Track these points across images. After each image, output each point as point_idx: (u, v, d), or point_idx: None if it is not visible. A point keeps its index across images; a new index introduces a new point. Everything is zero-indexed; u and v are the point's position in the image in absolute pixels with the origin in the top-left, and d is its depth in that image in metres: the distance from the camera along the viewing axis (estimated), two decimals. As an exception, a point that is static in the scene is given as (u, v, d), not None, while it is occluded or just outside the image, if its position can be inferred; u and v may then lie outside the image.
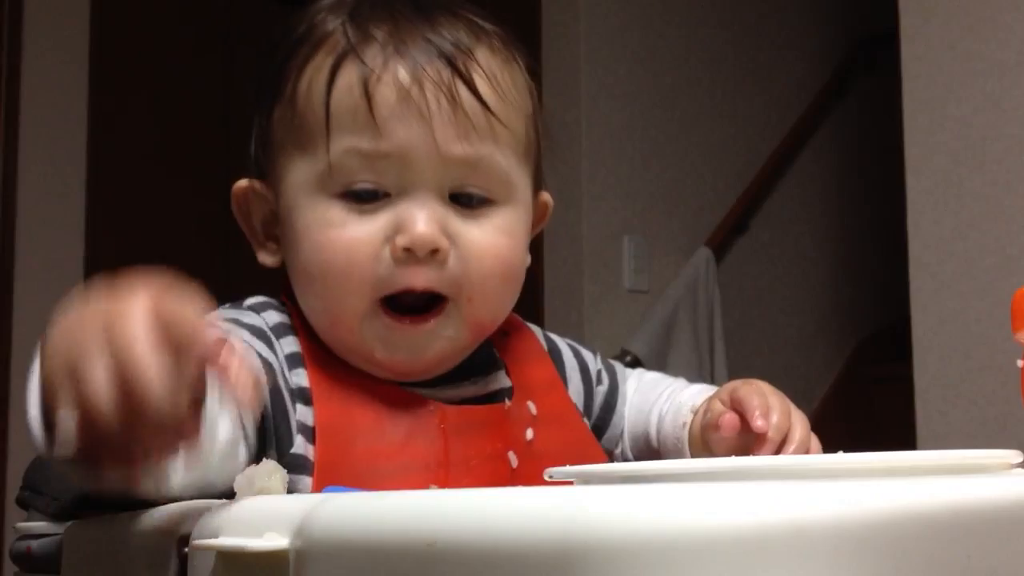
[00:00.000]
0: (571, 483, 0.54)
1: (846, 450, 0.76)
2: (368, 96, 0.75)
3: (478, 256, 0.78)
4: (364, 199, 0.77)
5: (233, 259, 3.13)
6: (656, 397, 0.93)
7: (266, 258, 0.84)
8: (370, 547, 0.44)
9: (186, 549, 0.53)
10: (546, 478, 0.56)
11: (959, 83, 2.28)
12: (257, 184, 0.83)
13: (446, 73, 0.77)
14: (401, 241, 0.75)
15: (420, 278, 0.76)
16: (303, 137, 0.78)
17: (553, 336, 0.94)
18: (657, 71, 3.15)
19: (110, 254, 2.97)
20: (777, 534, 0.37)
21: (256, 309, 0.81)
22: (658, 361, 2.84)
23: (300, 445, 0.74)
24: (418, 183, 0.77)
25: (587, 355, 0.94)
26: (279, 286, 0.84)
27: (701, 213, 3.24)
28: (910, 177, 2.33)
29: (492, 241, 0.79)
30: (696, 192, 3.24)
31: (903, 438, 2.39)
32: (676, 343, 2.97)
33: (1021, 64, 2.21)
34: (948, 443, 2.19)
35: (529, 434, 0.81)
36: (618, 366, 0.97)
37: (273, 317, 0.80)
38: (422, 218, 0.76)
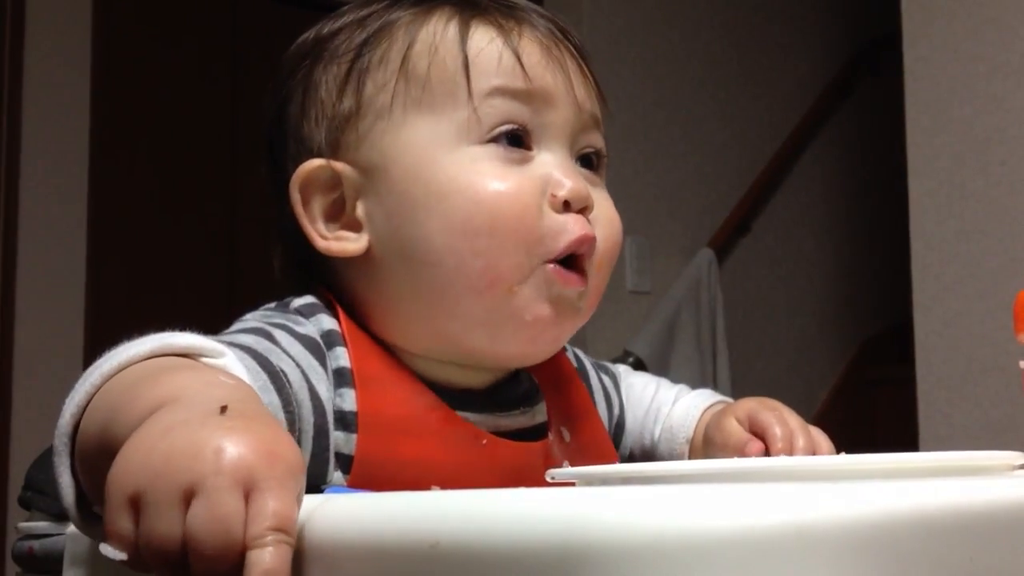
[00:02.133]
0: (573, 484, 0.54)
1: (848, 452, 0.76)
2: (512, 49, 0.74)
3: (607, 221, 0.76)
4: (510, 146, 0.73)
5: (237, 263, 3.14)
6: (644, 416, 0.92)
7: (332, 244, 0.75)
8: (372, 548, 0.44)
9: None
10: (548, 479, 0.56)
11: (962, 85, 2.27)
12: (338, 164, 0.75)
13: (568, 45, 0.77)
14: (562, 193, 0.73)
15: (588, 230, 0.73)
16: (428, 94, 0.74)
17: (580, 354, 0.91)
18: (659, 73, 3.15)
19: (113, 257, 2.97)
20: (779, 536, 0.37)
21: (305, 313, 0.75)
22: (660, 362, 2.84)
23: (336, 481, 0.70)
24: (557, 133, 0.75)
25: (608, 382, 0.92)
26: (284, 293, 0.79)
27: (703, 214, 3.24)
28: (912, 179, 2.33)
29: (614, 211, 0.78)
30: (698, 193, 3.24)
31: (905, 440, 2.39)
32: (678, 344, 2.97)
33: (1023, 65, 2.21)
34: (951, 445, 2.18)
35: (566, 467, 0.78)
36: (620, 375, 0.95)
37: (325, 323, 0.74)
38: (571, 172, 0.74)
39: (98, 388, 0.55)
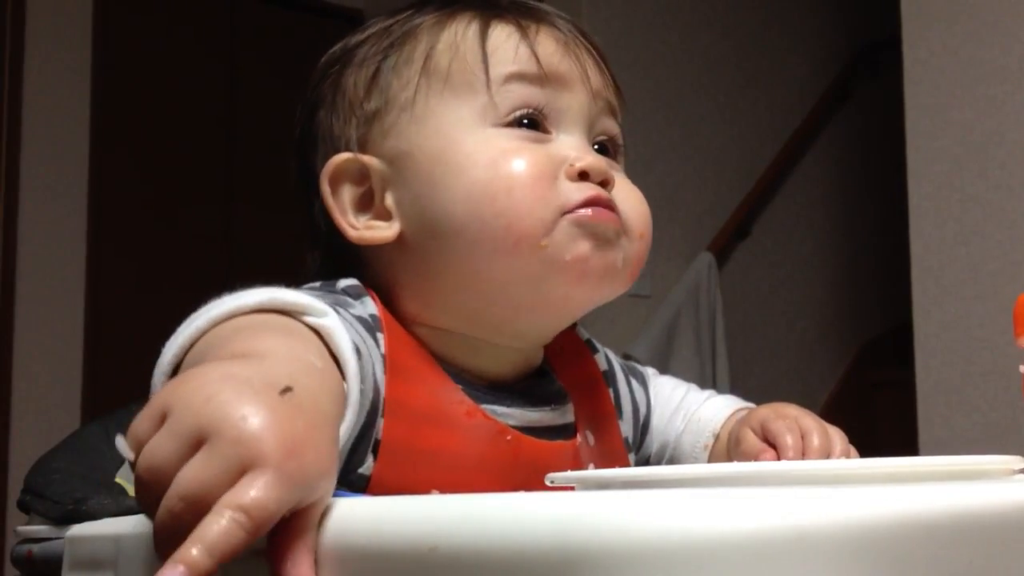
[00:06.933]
0: (572, 488, 0.54)
1: (848, 456, 0.76)
2: (528, 42, 0.78)
3: (634, 200, 0.79)
4: (527, 128, 0.76)
5: (234, 261, 3.14)
6: (671, 414, 0.92)
7: (365, 234, 0.78)
8: (372, 552, 0.44)
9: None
10: (547, 483, 0.56)
11: (961, 88, 2.28)
12: (366, 157, 0.78)
13: (586, 43, 0.81)
14: (580, 164, 0.75)
15: (605, 195, 0.76)
16: (449, 86, 0.77)
17: (612, 356, 0.92)
18: (659, 76, 3.15)
19: (112, 257, 2.97)
20: (778, 540, 0.37)
21: (352, 295, 0.76)
22: (660, 366, 2.83)
23: (369, 465, 0.70)
24: (573, 118, 0.78)
25: (637, 386, 0.92)
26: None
27: (703, 218, 3.24)
28: (912, 182, 2.33)
29: (638, 191, 0.80)
30: (698, 197, 3.24)
31: (905, 443, 2.39)
32: (678, 348, 2.97)
33: (1023, 69, 2.21)
34: (950, 449, 2.19)
35: (591, 469, 0.79)
36: (649, 376, 0.96)
37: (370, 307, 0.75)
38: (590, 151, 0.78)
39: (203, 332, 0.56)
